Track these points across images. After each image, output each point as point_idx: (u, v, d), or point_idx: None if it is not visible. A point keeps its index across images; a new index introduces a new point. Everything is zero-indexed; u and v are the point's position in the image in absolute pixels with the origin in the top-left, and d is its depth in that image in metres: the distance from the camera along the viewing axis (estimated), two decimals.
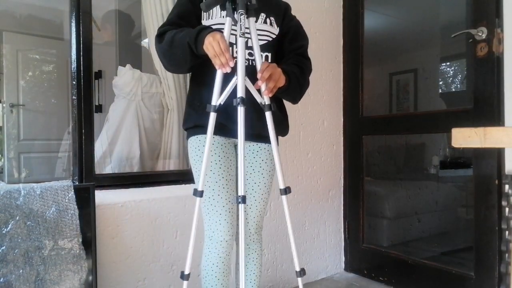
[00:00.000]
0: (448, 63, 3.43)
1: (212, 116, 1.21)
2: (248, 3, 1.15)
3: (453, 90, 3.44)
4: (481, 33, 1.85)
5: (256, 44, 1.23)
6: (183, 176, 2.01)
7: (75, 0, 1.71)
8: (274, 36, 1.42)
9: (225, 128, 1.35)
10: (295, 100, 1.48)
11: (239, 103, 1.15)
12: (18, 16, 3.49)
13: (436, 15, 2.95)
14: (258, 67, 1.23)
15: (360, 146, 2.55)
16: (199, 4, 1.30)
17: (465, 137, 0.81)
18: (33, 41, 3.51)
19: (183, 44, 1.23)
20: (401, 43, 3.19)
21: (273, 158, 1.45)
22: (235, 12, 1.14)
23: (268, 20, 1.41)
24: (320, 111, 2.50)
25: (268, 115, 1.24)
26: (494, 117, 1.83)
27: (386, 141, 3.11)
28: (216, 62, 1.18)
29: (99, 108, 2.95)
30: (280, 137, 1.60)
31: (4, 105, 3.45)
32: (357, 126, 2.56)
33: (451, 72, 3.48)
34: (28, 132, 3.47)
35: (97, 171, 2.03)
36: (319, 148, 2.50)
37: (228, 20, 1.19)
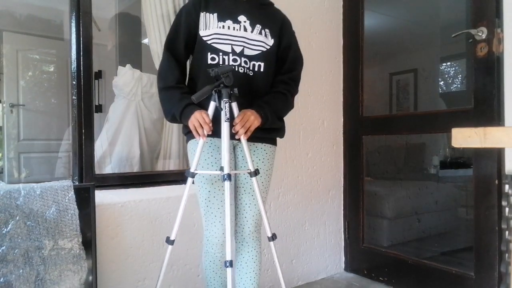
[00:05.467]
0: (448, 63, 3.43)
1: (189, 182, 1.40)
2: (231, 92, 1.31)
3: (453, 90, 3.44)
4: (481, 33, 1.85)
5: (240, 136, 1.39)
6: (183, 176, 2.01)
7: (75, 0, 1.71)
8: (268, 47, 1.49)
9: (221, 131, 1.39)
10: (278, 123, 1.55)
11: (225, 179, 1.29)
12: (18, 16, 3.49)
13: (436, 15, 2.95)
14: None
15: (360, 146, 2.55)
16: (196, 15, 1.45)
17: (465, 137, 0.81)
18: (33, 41, 3.51)
19: (170, 113, 1.43)
20: (401, 43, 3.20)
21: (269, 157, 1.56)
22: (221, 101, 1.31)
23: (263, 32, 1.48)
24: (320, 111, 2.50)
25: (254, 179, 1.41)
26: (494, 117, 1.83)
27: (386, 141, 3.11)
28: (196, 132, 1.35)
29: (99, 108, 2.95)
30: (280, 138, 1.62)
31: (4, 105, 3.45)
32: (357, 126, 2.56)
33: (451, 72, 3.48)
34: (28, 132, 3.47)
35: (97, 171, 2.03)
36: (319, 148, 2.50)
37: (212, 104, 1.36)
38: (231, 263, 1.27)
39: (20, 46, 3.44)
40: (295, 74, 1.58)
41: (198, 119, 1.33)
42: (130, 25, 2.93)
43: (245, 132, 1.37)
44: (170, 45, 1.49)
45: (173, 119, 1.46)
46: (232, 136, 1.37)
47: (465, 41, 1.98)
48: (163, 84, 1.46)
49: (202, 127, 1.33)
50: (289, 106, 1.56)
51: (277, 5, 1.63)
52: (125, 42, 2.94)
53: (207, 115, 1.35)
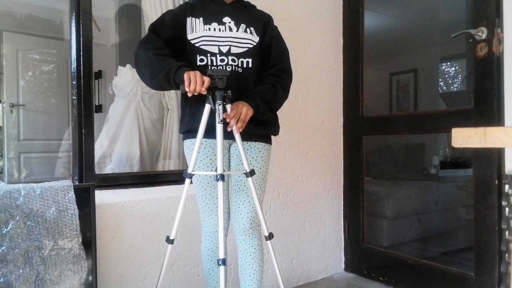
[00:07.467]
0: (448, 63, 3.43)
1: (187, 182, 1.41)
2: (225, 95, 1.34)
3: (453, 90, 3.44)
4: (481, 33, 1.85)
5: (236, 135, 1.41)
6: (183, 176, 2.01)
7: (75, 0, 1.71)
8: (254, 44, 1.54)
9: (215, 131, 1.40)
10: (271, 114, 1.56)
11: (218, 179, 1.31)
12: (18, 16, 3.49)
13: (436, 15, 2.95)
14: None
15: (360, 146, 2.55)
16: (183, 20, 1.50)
17: (465, 137, 0.81)
18: (33, 41, 3.50)
19: (162, 68, 1.36)
20: (401, 43, 3.19)
21: (264, 156, 1.58)
22: (215, 103, 1.32)
23: (248, 30, 1.54)
24: (320, 111, 2.50)
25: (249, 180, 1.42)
26: (494, 117, 1.83)
27: (386, 141, 3.11)
28: (189, 87, 1.31)
29: (99, 108, 2.95)
30: (279, 137, 1.63)
31: (4, 105, 3.45)
32: (357, 126, 2.56)
33: (451, 72, 3.48)
34: (28, 132, 3.46)
35: (97, 171, 2.03)
36: (319, 148, 2.50)
37: (207, 107, 1.37)
38: (223, 262, 1.30)
39: (20, 46, 3.44)
40: (283, 65, 1.60)
41: (197, 77, 1.29)
42: (130, 24, 2.93)
43: (241, 125, 1.38)
44: (154, 29, 1.50)
45: (160, 71, 1.36)
46: (227, 136, 1.38)
47: (465, 41, 1.98)
48: (150, 47, 1.42)
49: (196, 84, 1.29)
50: (280, 96, 1.55)
51: (277, 5, 1.64)
52: (125, 41, 2.94)
53: (201, 75, 1.31)
